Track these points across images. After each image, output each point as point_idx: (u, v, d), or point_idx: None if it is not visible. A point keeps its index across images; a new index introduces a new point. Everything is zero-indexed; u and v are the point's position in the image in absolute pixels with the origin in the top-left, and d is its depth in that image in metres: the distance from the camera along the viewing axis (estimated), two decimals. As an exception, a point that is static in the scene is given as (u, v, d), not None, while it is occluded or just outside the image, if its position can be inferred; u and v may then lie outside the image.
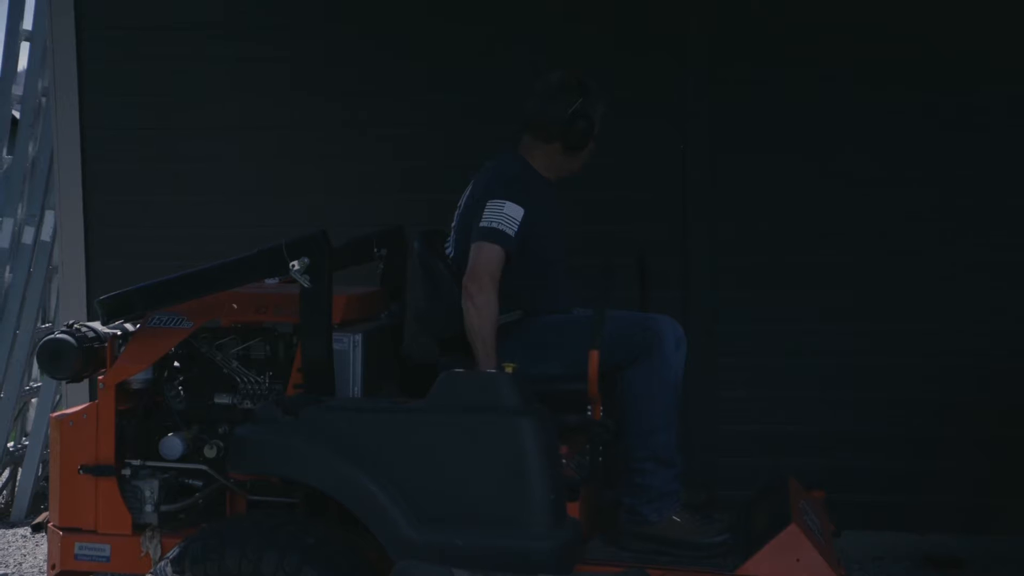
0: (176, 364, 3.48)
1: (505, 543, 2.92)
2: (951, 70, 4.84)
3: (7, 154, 6.78)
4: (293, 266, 3.18)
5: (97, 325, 3.47)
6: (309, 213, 4.88)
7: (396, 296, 3.83)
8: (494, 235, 3.29)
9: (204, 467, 3.37)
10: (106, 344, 3.42)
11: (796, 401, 4.94)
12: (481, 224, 3.32)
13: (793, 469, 4.49)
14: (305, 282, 3.19)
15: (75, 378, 3.46)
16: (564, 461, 3.20)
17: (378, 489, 2.97)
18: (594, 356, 3.09)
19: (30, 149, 6.61)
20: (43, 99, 6.55)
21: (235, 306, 3.39)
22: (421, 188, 4.99)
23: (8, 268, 6.47)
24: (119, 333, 3.45)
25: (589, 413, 3.20)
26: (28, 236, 6.45)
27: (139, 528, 3.35)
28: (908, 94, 4.86)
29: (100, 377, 3.40)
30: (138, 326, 3.44)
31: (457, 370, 3.13)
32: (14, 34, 6.78)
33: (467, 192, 3.52)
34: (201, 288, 3.33)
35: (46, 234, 6.44)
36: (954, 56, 4.83)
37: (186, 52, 5.30)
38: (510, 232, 3.29)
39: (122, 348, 3.41)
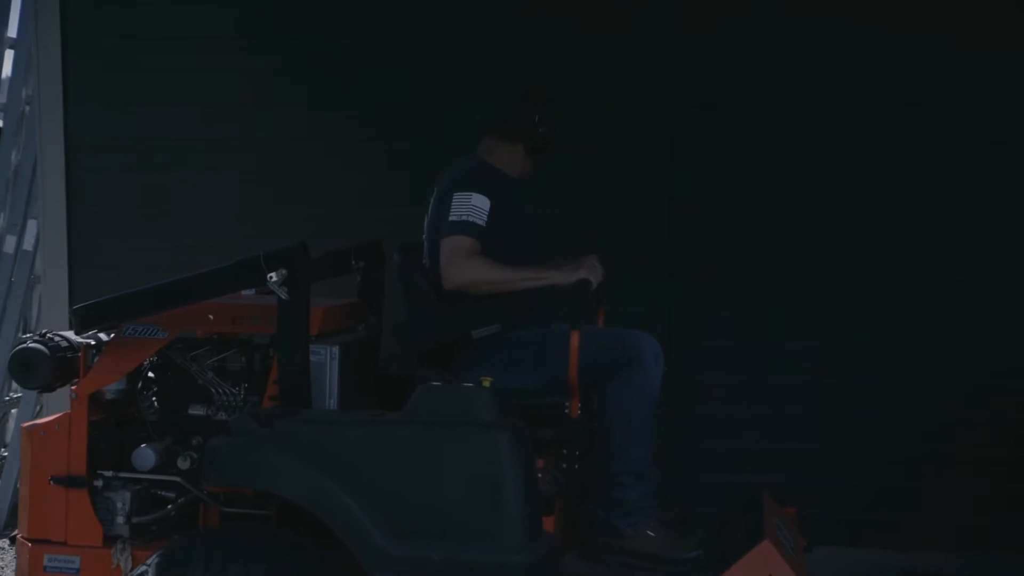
0: (150, 375, 3.46)
1: (480, 557, 2.90)
2: (950, 83, 4.80)
3: (-10, 162, 6.75)
4: (271, 278, 3.16)
5: (70, 335, 3.44)
6: (300, 225, 4.79)
7: (374, 308, 3.82)
8: (463, 227, 3.29)
9: (177, 479, 3.35)
10: (79, 354, 3.39)
11: (779, 418, 4.92)
12: (450, 218, 3.31)
13: (775, 485, 4.48)
14: (283, 293, 3.18)
15: (47, 388, 3.44)
16: (540, 475, 3.19)
17: (352, 502, 2.95)
18: (575, 336, 3.10)
19: (13, 157, 6.58)
20: (27, 107, 6.52)
21: (211, 317, 3.37)
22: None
23: (-11, 277, 6.44)
24: (93, 343, 3.43)
25: (566, 410, 3.20)
26: (10, 245, 6.42)
27: (110, 540, 3.31)
28: (904, 109, 4.83)
29: (72, 387, 3.37)
30: (112, 336, 3.42)
31: (434, 383, 3.12)
32: (-2, 41, 6.77)
33: (432, 198, 3.52)
34: (177, 299, 3.31)
35: (28, 243, 6.40)
36: (955, 68, 4.80)
37: (170, 62, 5.28)
38: (480, 222, 3.29)
39: (95, 358, 3.39)
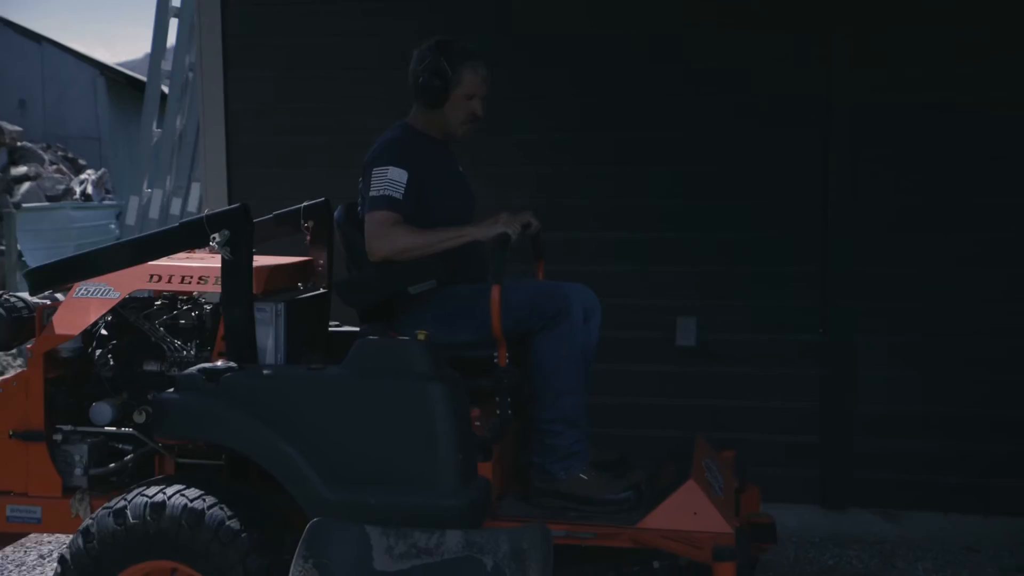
0: (105, 333, 3.60)
1: (415, 501, 3.05)
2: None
3: (156, 128, 6.88)
4: (214, 239, 3.30)
5: (27, 296, 3.58)
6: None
7: (325, 266, 3.93)
8: (382, 202, 3.37)
9: (133, 432, 3.50)
10: (35, 314, 3.53)
11: (933, 383, 4.82)
12: (370, 194, 3.40)
13: (925, 451, 4.67)
14: (226, 254, 3.31)
15: (5, 347, 3.58)
16: (478, 423, 3.34)
17: (293, 451, 3.11)
18: (495, 291, 3.20)
19: (177, 123, 6.70)
20: (190, 74, 6.65)
21: (160, 276, 3.51)
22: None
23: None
24: (49, 303, 3.57)
25: (496, 361, 3.31)
26: (176, 207, 6.55)
27: (69, 491, 3.48)
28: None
29: (28, 346, 3.52)
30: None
31: (370, 337, 3.25)
32: (163, 11, 6.93)
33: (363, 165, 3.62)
34: (125, 260, 3.44)
35: (192, 205, 6.51)
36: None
37: (328, 27, 5.28)
38: (398, 195, 3.37)
39: (50, 318, 3.52)
